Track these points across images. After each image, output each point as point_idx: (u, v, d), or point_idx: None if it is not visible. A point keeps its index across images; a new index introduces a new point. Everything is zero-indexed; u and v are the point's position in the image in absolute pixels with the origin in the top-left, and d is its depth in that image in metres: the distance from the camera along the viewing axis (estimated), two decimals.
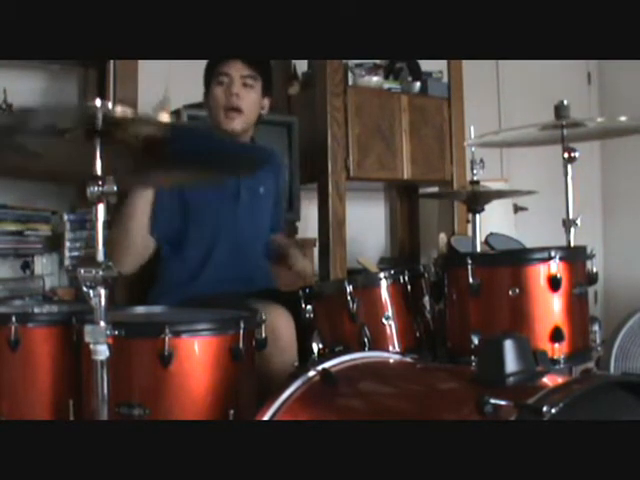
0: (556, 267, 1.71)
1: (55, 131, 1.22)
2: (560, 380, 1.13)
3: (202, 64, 2.12)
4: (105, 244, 1.23)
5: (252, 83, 2.10)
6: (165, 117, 1.25)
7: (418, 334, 1.85)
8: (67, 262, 2.74)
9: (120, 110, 1.18)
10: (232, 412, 1.43)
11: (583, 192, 2.15)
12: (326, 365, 1.33)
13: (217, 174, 1.60)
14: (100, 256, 1.26)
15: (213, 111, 2.12)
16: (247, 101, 2.09)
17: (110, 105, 1.16)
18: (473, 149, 2.05)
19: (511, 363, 1.14)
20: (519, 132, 2.15)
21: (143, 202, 1.90)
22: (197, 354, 1.44)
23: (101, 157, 1.26)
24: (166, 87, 2.78)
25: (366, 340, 1.76)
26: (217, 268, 2.10)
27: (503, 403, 1.03)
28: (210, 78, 2.12)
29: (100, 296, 1.25)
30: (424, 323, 1.88)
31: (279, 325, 1.74)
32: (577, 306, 1.77)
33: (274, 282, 2.27)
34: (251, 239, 2.19)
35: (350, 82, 3.30)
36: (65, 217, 2.75)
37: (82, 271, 1.25)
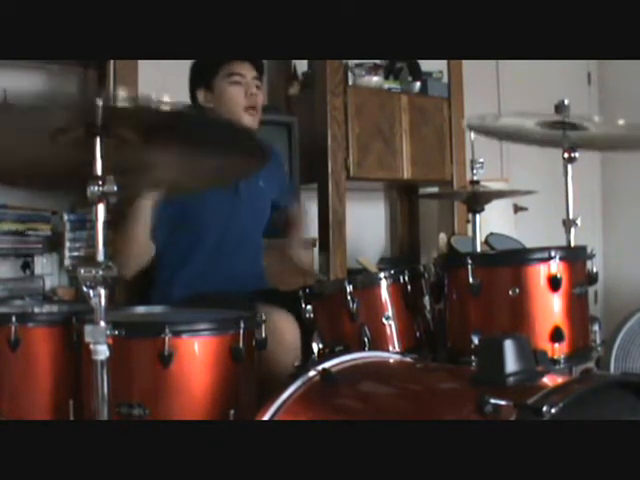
0: (556, 267, 1.71)
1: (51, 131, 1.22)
2: (560, 380, 1.14)
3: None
4: (107, 247, 1.21)
5: (259, 84, 2.18)
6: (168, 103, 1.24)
7: (418, 334, 1.85)
8: (67, 262, 2.74)
9: (122, 97, 1.17)
10: (232, 412, 1.43)
11: (583, 192, 2.15)
12: (326, 365, 1.33)
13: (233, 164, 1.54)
14: (100, 256, 1.26)
15: (229, 109, 2.12)
16: (259, 101, 2.18)
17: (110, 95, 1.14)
18: (472, 137, 2.02)
19: (511, 363, 1.14)
20: (519, 120, 2.12)
21: (147, 206, 1.90)
22: (197, 354, 1.44)
23: (102, 155, 1.26)
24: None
25: (366, 340, 1.76)
26: (220, 265, 2.10)
27: (503, 403, 1.03)
28: (211, 76, 2.12)
29: (100, 296, 1.25)
30: (424, 323, 1.88)
31: (284, 330, 1.74)
32: (577, 306, 1.77)
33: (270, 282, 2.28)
34: (253, 234, 2.20)
35: (350, 82, 3.29)
36: (65, 217, 2.75)
37: (82, 271, 1.25)
